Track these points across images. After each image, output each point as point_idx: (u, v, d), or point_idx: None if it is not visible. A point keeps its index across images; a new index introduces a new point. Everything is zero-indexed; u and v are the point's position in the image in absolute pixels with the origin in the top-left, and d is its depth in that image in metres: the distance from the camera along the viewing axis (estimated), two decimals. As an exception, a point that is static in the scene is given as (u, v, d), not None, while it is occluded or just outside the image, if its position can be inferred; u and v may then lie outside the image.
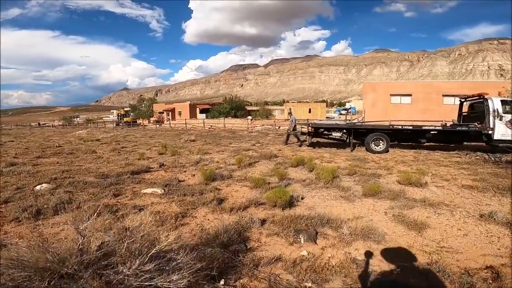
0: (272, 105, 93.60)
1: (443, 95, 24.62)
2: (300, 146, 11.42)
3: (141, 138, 17.99)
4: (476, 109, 10.24)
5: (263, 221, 3.74)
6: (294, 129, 12.37)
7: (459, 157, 8.70)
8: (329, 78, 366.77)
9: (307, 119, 27.76)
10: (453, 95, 24.77)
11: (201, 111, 45.13)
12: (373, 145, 9.47)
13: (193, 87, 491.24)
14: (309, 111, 47.99)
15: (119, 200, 4.63)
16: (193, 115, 43.71)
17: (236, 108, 44.74)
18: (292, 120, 12.56)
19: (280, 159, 8.59)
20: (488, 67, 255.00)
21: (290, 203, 4.35)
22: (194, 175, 6.61)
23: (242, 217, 3.83)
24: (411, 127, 9.27)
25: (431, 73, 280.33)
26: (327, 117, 46.85)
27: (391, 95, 25.80)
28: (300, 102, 71.27)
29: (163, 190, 4.86)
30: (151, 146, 13.02)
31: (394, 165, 7.34)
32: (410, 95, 25.51)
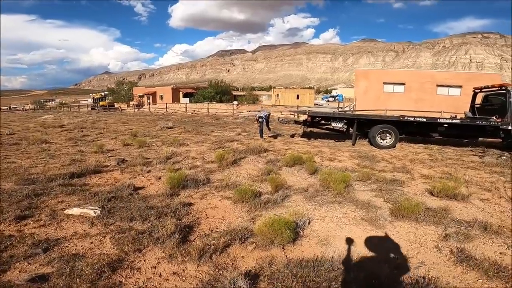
0: (259, 90, 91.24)
1: (437, 85, 23.76)
2: (292, 137, 9.92)
3: (113, 124, 15.89)
4: (492, 101, 9.05)
5: (253, 278, 2.22)
6: (264, 119, 9.67)
7: (478, 155, 7.49)
8: (316, 65, 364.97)
9: (297, 106, 26.25)
10: (447, 85, 24.05)
11: (185, 95, 42.52)
12: (379, 138, 8.11)
13: (179, 72, 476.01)
14: (297, 98, 46.46)
15: (21, 228, 2.95)
16: (176, 99, 41.11)
17: (222, 93, 42.44)
18: (263, 116, 9.72)
19: (271, 154, 7.05)
20: (470, 60, 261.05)
21: (294, 231, 2.85)
22: (159, 178, 4.96)
23: (218, 272, 2.30)
24: (424, 119, 7.93)
25: (415, 63, 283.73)
26: (315, 104, 45.54)
27: (384, 83, 24.69)
28: (287, 88, 69.53)
29: (98, 211, 3.20)
30: (119, 134, 11.11)
31: (412, 166, 5.97)
32: (403, 83, 24.50)
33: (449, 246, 2.82)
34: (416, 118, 7.94)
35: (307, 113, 8.29)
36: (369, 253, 2.72)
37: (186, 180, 4.52)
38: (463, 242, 2.86)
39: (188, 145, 8.59)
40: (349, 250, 2.76)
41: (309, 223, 3.24)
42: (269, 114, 9.97)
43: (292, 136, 9.98)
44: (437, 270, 2.46)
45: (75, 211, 3.18)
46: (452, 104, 21.33)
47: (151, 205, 3.64)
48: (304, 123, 9.08)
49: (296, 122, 10.04)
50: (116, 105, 41.57)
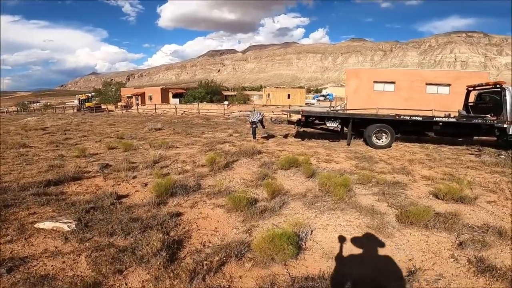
0: (250, 90, 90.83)
1: (427, 84, 23.99)
2: (285, 137, 9.64)
3: (98, 126, 15.27)
4: (485, 99, 9.00)
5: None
6: (257, 123, 9.32)
7: (474, 154, 7.39)
8: (306, 65, 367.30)
9: (289, 105, 26.02)
10: (436, 84, 24.30)
11: (174, 96, 41.72)
12: (374, 138, 7.92)
13: (168, 72, 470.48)
14: (288, 97, 46.35)
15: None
16: (165, 100, 40.30)
17: (212, 93, 41.87)
18: (256, 115, 9.29)
19: (265, 156, 6.75)
20: (455, 59, 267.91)
21: (296, 246, 2.55)
22: (145, 184, 4.58)
23: (212, 298, 1.97)
24: (420, 118, 7.78)
25: (402, 62, 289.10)
26: (306, 104, 45.56)
27: (375, 82, 24.78)
28: (278, 87, 69.54)
29: (73, 224, 2.81)
30: (105, 137, 10.59)
31: (412, 167, 5.77)
32: (393, 82, 24.65)
33: (466, 255, 2.58)
34: (412, 117, 7.79)
35: (300, 112, 8.02)
36: (380, 266, 2.44)
37: (174, 187, 4.16)
38: (481, 250, 2.63)
39: (177, 147, 8.19)
40: (357, 263, 2.48)
41: (311, 233, 2.94)
42: (262, 116, 9.64)
43: (286, 136, 9.71)
44: (458, 283, 2.21)
45: (47, 225, 2.79)
46: (441, 102, 21.54)
47: (135, 216, 3.27)
48: (298, 123, 8.82)
49: (290, 122, 9.76)
50: (103, 106, 40.47)
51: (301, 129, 9.39)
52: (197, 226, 3.15)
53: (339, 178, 4.33)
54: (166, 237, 2.68)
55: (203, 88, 41.66)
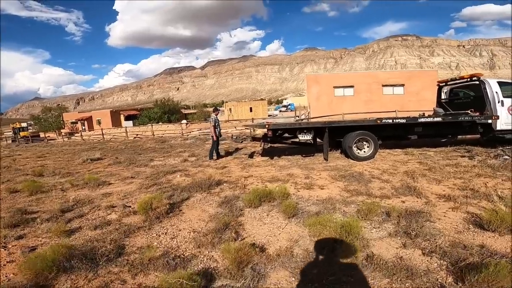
0: (211, 106, 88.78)
1: (383, 85, 24.41)
2: (251, 157, 8.06)
3: (24, 160, 12.38)
4: (460, 95, 8.41)
5: None
6: (217, 137, 8.24)
7: (466, 156, 6.49)
8: (265, 77, 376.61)
9: (252, 119, 24.61)
10: (391, 85, 24.86)
11: (127, 118, 38.25)
12: (355, 149, 6.69)
13: (123, 93, 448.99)
14: (251, 110, 45.42)
15: None
16: (117, 123, 36.74)
17: (170, 112, 39.24)
18: (214, 122, 8.27)
19: (227, 188, 5.08)
20: (395, 62, 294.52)
21: None
22: (32, 249, 2.65)
23: None
24: (404, 120, 6.74)
25: (352, 68, 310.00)
26: (269, 115, 44.92)
27: (335, 87, 24.69)
28: (240, 101, 68.88)
29: None
30: (20, 174, 8.08)
31: (415, 184, 4.50)
32: (352, 86, 24.75)
33: None
34: (394, 120, 6.72)
35: (266, 126, 6.57)
36: None
37: (71, 257, 2.32)
38: None
39: (111, 184, 6.19)
40: None
41: None
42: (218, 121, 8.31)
43: (251, 156, 8.12)
44: None
45: None
46: (398, 103, 21.84)
47: None
48: (265, 138, 7.33)
49: (254, 138, 8.23)
50: (43, 135, 35.66)
51: (268, 146, 7.95)
52: None
53: (338, 220, 2.81)
54: None
55: (159, 108, 38.83)
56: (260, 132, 8.16)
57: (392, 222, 3.16)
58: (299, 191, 4.60)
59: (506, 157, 5.44)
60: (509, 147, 6.44)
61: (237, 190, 4.86)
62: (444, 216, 3.27)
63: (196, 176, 6.19)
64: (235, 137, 8.18)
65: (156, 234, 3.25)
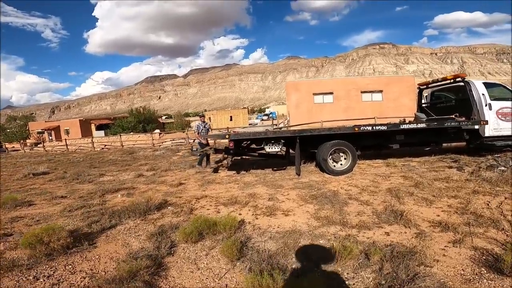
0: (193, 116, 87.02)
1: (361, 92, 24.17)
2: (215, 171, 7.00)
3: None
4: (442, 98, 7.81)
5: None
6: (202, 146, 7.71)
7: (454, 167, 5.76)
8: (248, 86, 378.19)
9: (227, 128, 23.50)
10: (370, 91, 24.67)
11: (98, 128, 36.06)
12: (331, 161, 5.79)
13: (102, 102, 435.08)
14: (231, 119, 44.33)
15: None
16: (87, 133, 34.48)
17: (146, 121, 37.42)
18: (199, 129, 7.91)
19: (169, 213, 3.99)
20: (373, 70, 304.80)
21: None
22: None
23: None
24: (385, 128, 5.93)
25: (332, 77, 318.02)
26: (249, 124, 44.01)
27: (314, 94, 24.18)
28: (219, 110, 67.90)
29: None
30: None
31: (403, 207, 3.60)
32: (331, 93, 24.34)
33: None
34: (374, 127, 5.88)
35: (226, 137, 5.53)
36: None
37: None
38: None
39: (32, 204, 4.99)
40: None
41: None
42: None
43: (216, 170, 7.04)
44: None
45: None
46: (377, 109, 21.59)
47: None
48: (227, 151, 6.31)
49: (217, 150, 7.18)
50: (7, 145, 32.95)
51: (230, 160, 6.94)
52: None
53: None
54: None
55: (134, 117, 36.90)
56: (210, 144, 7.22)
57: (373, 268, 2.24)
58: (257, 218, 3.59)
59: (502, 168, 4.70)
60: (499, 155, 5.78)
61: (180, 217, 3.80)
62: (444, 255, 2.37)
63: (143, 195, 5.06)
64: (195, 149, 7.06)
65: (34, 277, 2.33)
